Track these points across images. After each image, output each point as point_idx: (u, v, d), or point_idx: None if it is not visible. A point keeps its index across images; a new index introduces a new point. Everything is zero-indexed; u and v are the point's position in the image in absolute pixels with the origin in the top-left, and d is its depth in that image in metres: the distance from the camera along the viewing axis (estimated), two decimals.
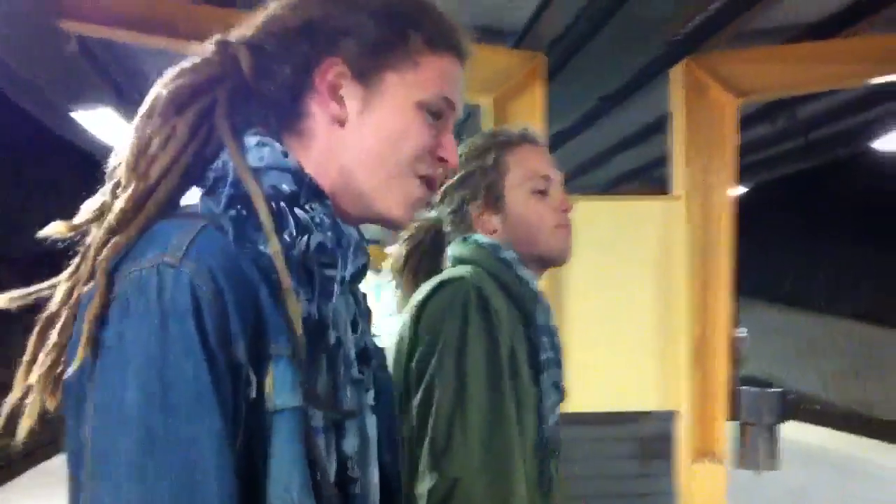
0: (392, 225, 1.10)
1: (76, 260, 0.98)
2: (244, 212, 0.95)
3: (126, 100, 5.40)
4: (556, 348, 1.76)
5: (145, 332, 0.86)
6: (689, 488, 4.11)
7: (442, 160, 1.09)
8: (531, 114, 4.18)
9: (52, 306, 0.97)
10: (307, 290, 0.98)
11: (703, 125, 4.38)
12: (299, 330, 0.93)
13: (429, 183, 1.09)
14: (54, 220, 0.98)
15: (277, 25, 1.04)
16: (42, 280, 1.00)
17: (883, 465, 8.78)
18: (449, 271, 1.71)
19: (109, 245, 0.93)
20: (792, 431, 5.17)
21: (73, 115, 5.02)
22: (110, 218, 0.95)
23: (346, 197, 1.05)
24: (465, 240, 1.77)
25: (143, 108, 1.00)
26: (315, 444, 0.95)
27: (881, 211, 13.15)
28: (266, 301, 0.93)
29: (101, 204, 0.99)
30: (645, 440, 4.17)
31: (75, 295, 0.95)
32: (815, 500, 7.04)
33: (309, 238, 0.98)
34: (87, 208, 0.99)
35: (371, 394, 1.13)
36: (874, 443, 10.39)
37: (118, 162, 0.99)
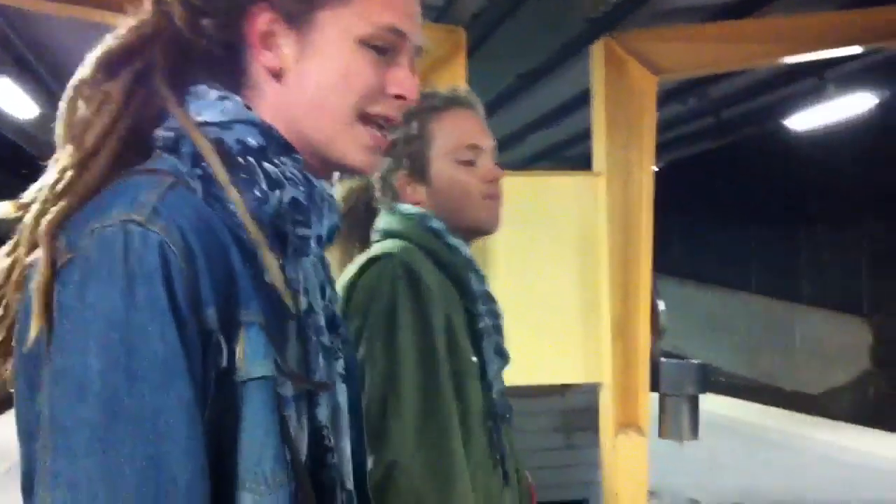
0: (355, 172, 1.04)
1: (15, 235, 0.92)
2: (210, 169, 0.90)
3: (25, 69, 5.22)
4: (495, 314, 1.72)
5: (109, 293, 0.80)
6: (613, 459, 4.18)
7: (398, 96, 1.01)
8: None
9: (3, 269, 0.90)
10: (278, 252, 0.93)
11: (623, 102, 4.44)
12: (281, 286, 0.90)
13: (386, 121, 1.01)
14: None
15: None
16: None
17: (790, 434, 9.10)
18: (377, 247, 1.68)
19: (53, 210, 0.87)
20: (702, 402, 5.32)
21: None
22: (51, 187, 0.90)
23: (302, 150, 0.98)
24: (392, 211, 1.74)
25: (75, 77, 0.94)
26: (286, 415, 0.91)
27: (788, 188, 13.53)
28: (238, 264, 0.88)
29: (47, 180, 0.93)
30: (569, 413, 4.22)
31: (17, 269, 0.89)
32: (730, 468, 7.26)
33: (281, 193, 0.93)
34: (35, 186, 0.93)
35: (341, 362, 1.09)
36: (780, 412, 10.76)
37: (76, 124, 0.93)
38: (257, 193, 0.92)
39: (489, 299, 1.72)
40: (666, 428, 4.33)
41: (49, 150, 0.97)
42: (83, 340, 0.80)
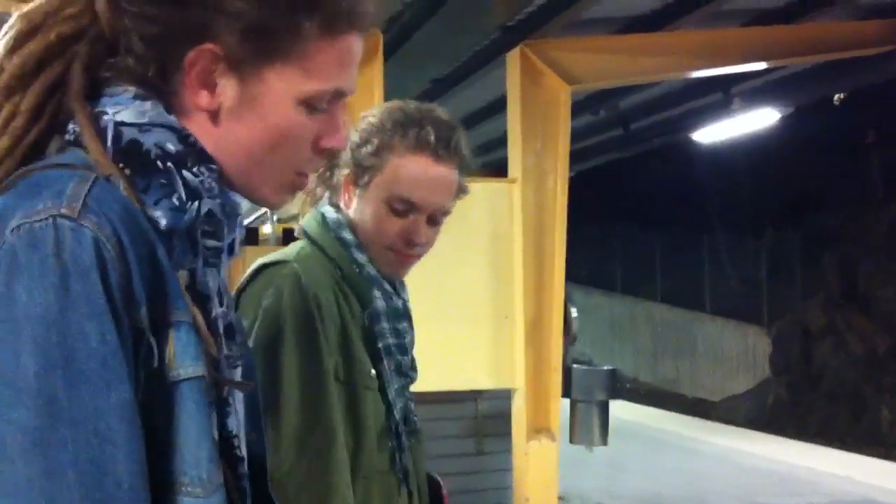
0: (265, 205, 1.03)
1: None
2: (127, 170, 0.86)
3: None
4: (401, 333, 1.65)
5: (43, 291, 0.76)
6: (525, 465, 4.20)
7: (327, 151, 0.97)
8: (368, 93, 4.14)
9: None
10: (191, 259, 0.90)
11: (538, 110, 4.48)
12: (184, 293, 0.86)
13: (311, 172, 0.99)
14: None
15: None
16: None
17: (692, 439, 9.31)
18: (275, 254, 1.64)
19: None
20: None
21: None
22: None
23: (221, 168, 0.93)
24: (316, 211, 1.70)
25: (7, 58, 0.88)
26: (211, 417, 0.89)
27: (693, 199, 13.88)
28: (164, 262, 0.85)
29: None
30: (480, 419, 4.23)
31: None
32: (635, 472, 7.39)
33: (199, 204, 0.89)
34: None
35: (239, 371, 1.05)
36: (682, 418, 11.00)
37: None
38: (175, 202, 0.87)
39: (396, 317, 1.66)
40: (577, 433, 4.37)
41: None
42: (15, 342, 0.75)
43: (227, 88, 0.90)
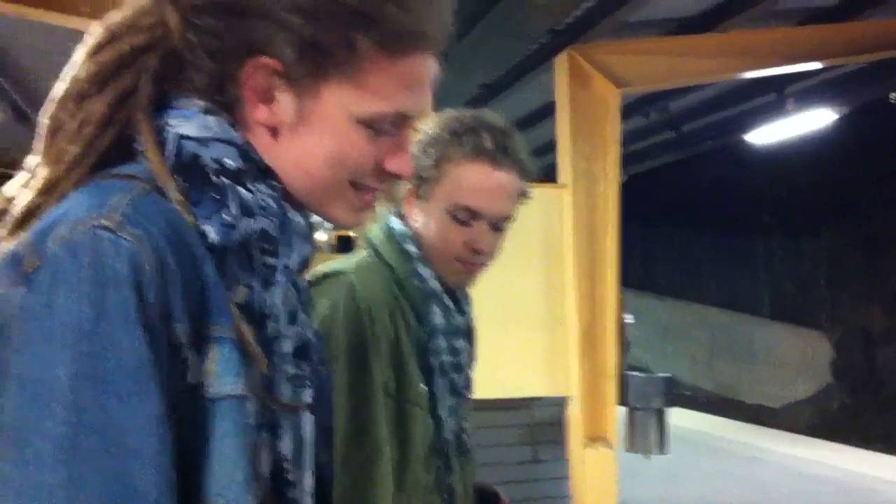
0: (335, 224, 1.00)
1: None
2: (184, 183, 0.87)
3: None
4: (457, 351, 1.63)
5: (78, 302, 0.76)
6: (581, 473, 4.16)
7: (391, 174, 0.95)
8: None
9: None
10: (246, 276, 0.89)
11: (587, 115, 4.44)
12: (233, 310, 0.85)
13: (374, 192, 0.97)
14: None
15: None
16: None
17: (752, 446, 9.15)
18: (335, 263, 1.62)
19: (24, 205, 0.85)
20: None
21: None
22: (20, 200, 0.86)
23: (286, 186, 0.94)
24: (381, 222, 1.67)
25: (59, 89, 0.89)
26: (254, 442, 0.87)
27: (747, 201, 13.69)
28: (211, 277, 0.84)
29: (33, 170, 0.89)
30: (535, 426, 4.19)
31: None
32: (693, 480, 7.28)
33: (251, 222, 0.88)
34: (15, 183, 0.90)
35: (310, 392, 1.03)
36: (741, 425, 10.83)
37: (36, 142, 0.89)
38: (226, 218, 0.87)
39: (454, 334, 1.63)
40: (634, 442, 4.31)
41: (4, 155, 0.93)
42: (50, 349, 0.75)
43: (285, 104, 0.90)
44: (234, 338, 0.85)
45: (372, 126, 0.91)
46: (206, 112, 0.90)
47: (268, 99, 0.90)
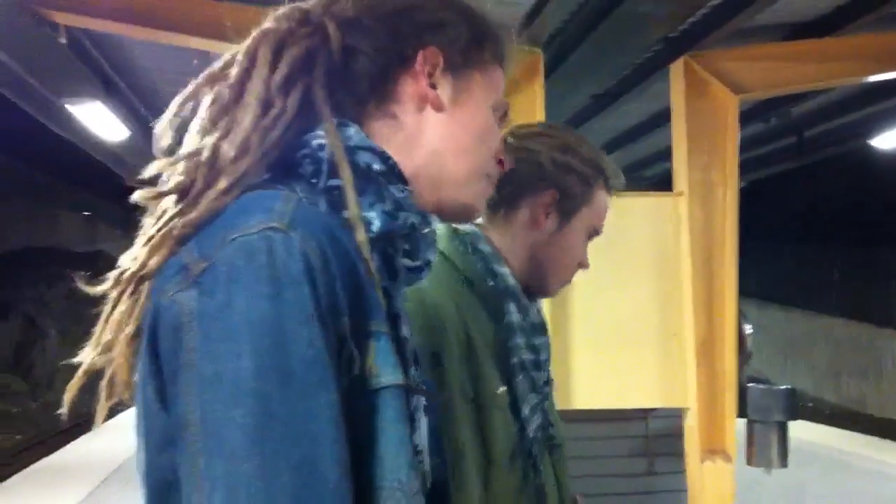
0: (466, 217, 1.13)
1: (152, 226, 0.95)
2: (342, 186, 0.95)
3: (114, 93, 5.34)
4: (537, 349, 1.65)
5: (258, 299, 0.82)
6: (699, 486, 4.08)
7: (500, 163, 1.15)
8: (530, 111, 4.15)
9: (129, 272, 0.93)
10: (385, 278, 0.97)
11: (704, 122, 4.37)
12: (381, 301, 0.92)
13: (492, 182, 1.14)
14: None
15: (377, 3, 1.05)
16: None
17: (880, 461, 8.79)
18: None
19: (183, 220, 0.91)
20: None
21: (67, 107, 4.95)
22: (202, 187, 0.93)
23: (426, 183, 1.05)
24: (446, 227, 1.64)
25: (260, 78, 0.97)
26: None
27: (873, 209, 13.20)
28: (364, 277, 0.91)
29: (194, 172, 0.94)
30: (651, 438, 4.14)
31: (151, 262, 0.91)
32: (819, 497, 7.05)
33: (406, 216, 0.98)
34: (176, 179, 0.96)
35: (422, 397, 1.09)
36: (868, 439, 10.41)
37: (221, 133, 0.96)
38: (388, 207, 0.96)
39: (532, 332, 1.65)
40: (754, 455, 4.19)
41: (139, 172, 0.99)
42: (234, 345, 0.81)
43: (445, 87, 1.06)
44: (388, 332, 0.92)
45: (497, 114, 1.12)
46: (344, 125, 1.00)
47: (433, 82, 1.05)
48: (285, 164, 0.97)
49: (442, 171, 1.06)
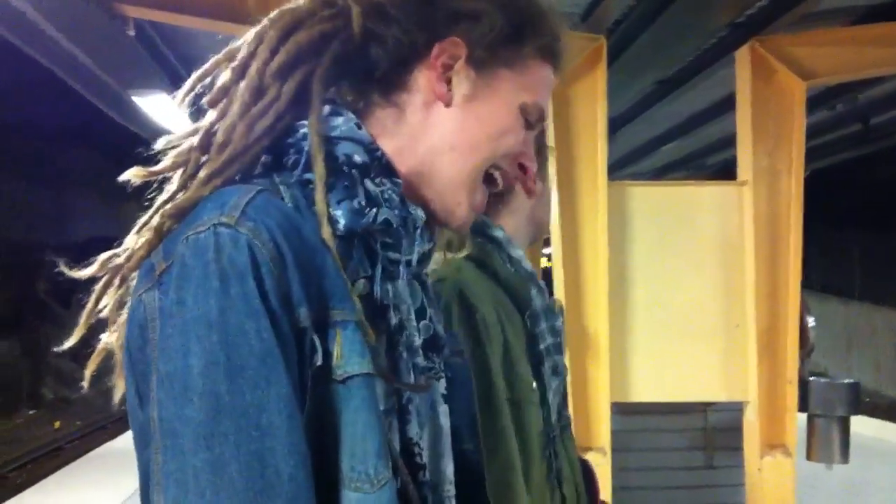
0: (450, 223, 1.07)
1: (148, 213, 0.97)
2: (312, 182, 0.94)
3: (181, 85, 5.39)
4: (556, 332, 1.69)
5: (205, 295, 0.82)
6: (759, 481, 4.01)
7: (522, 167, 1.09)
8: (592, 98, 4.11)
9: (119, 259, 0.96)
10: (367, 268, 0.95)
11: (770, 109, 4.28)
12: (354, 297, 0.90)
13: (501, 182, 1.08)
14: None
15: None
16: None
17: None
18: (439, 270, 1.64)
19: (171, 206, 0.92)
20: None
21: (134, 99, 5.01)
22: (191, 172, 0.95)
23: (420, 181, 1.03)
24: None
25: (256, 63, 0.96)
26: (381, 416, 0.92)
27: None
28: (331, 267, 0.90)
29: (187, 154, 0.97)
30: (710, 431, 4.08)
31: (137, 255, 0.94)
32: (880, 492, 6.92)
33: (377, 212, 0.95)
34: (172, 158, 0.98)
35: (442, 383, 1.09)
36: None
37: (216, 117, 0.97)
38: (355, 205, 0.94)
39: (550, 315, 1.68)
40: (815, 450, 4.12)
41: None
42: (184, 342, 0.82)
43: (464, 81, 1.02)
44: (358, 321, 0.90)
45: (526, 116, 1.05)
46: (335, 113, 0.98)
47: (448, 75, 1.01)
48: (275, 153, 0.97)
49: (435, 168, 1.02)
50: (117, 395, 0.96)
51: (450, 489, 1.07)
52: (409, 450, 0.98)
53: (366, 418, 0.88)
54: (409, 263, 1.01)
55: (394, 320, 0.98)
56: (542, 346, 1.64)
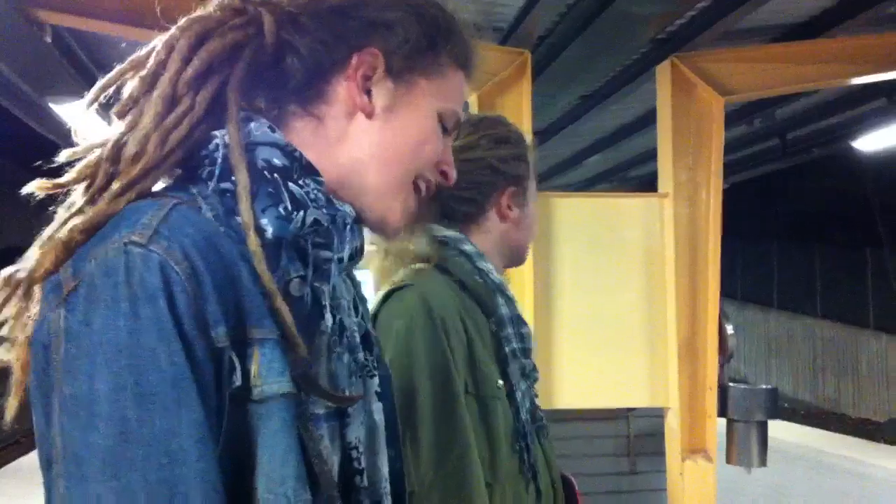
0: (384, 230, 1.05)
1: (52, 225, 0.91)
2: (236, 187, 0.90)
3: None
4: (523, 337, 1.74)
5: (114, 317, 0.79)
6: (680, 485, 4.11)
7: (443, 174, 1.09)
8: (517, 111, 4.17)
9: (21, 274, 0.89)
10: (300, 269, 0.93)
11: (690, 123, 4.39)
12: (282, 307, 0.87)
13: (426, 190, 1.07)
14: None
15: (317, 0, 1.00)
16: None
17: (857, 461, 8.87)
18: (401, 275, 1.69)
19: (80, 220, 0.87)
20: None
21: (52, 106, 4.90)
22: (101, 185, 0.89)
23: (346, 190, 1.00)
24: (426, 234, 1.73)
25: (169, 73, 0.92)
26: (313, 434, 0.90)
27: (855, 211, 13.30)
28: (248, 282, 0.87)
29: (95, 166, 0.91)
30: (633, 437, 4.17)
31: (41, 269, 0.87)
32: (798, 496, 7.11)
33: (304, 214, 0.92)
34: (79, 169, 0.93)
35: (376, 380, 1.08)
36: (845, 439, 10.49)
37: (126, 128, 0.92)
38: (281, 211, 0.91)
39: (518, 322, 1.74)
40: (734, 454, 4.23)
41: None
42: (90, 366, 0.78)
43: (383, 92, 1.01)
44: (277, 338, 0.87)
45: (443, 122, 1.06)
46: (246, 119, 0.95)
47: (367, 85, 1.00)
48: (191, 163, 0.93)
49: (361, 179, 1.00)
50: (9, 415, 0.87)
51: (385, 486, 1.06)
52: (346, 453, 0.97)
53: (285, 440, 0.86)
54: (340, 261, 0.99)
55: (332, 321, 0.97)
56: (507, 349, 1.69)
